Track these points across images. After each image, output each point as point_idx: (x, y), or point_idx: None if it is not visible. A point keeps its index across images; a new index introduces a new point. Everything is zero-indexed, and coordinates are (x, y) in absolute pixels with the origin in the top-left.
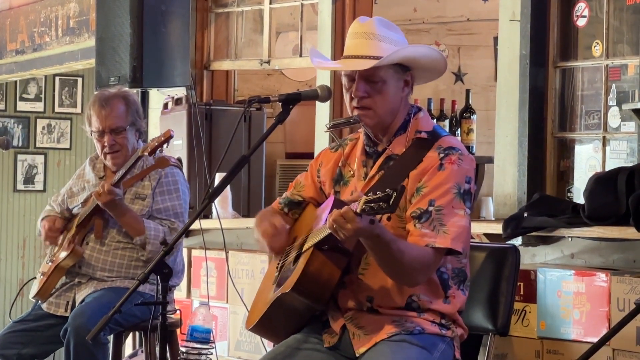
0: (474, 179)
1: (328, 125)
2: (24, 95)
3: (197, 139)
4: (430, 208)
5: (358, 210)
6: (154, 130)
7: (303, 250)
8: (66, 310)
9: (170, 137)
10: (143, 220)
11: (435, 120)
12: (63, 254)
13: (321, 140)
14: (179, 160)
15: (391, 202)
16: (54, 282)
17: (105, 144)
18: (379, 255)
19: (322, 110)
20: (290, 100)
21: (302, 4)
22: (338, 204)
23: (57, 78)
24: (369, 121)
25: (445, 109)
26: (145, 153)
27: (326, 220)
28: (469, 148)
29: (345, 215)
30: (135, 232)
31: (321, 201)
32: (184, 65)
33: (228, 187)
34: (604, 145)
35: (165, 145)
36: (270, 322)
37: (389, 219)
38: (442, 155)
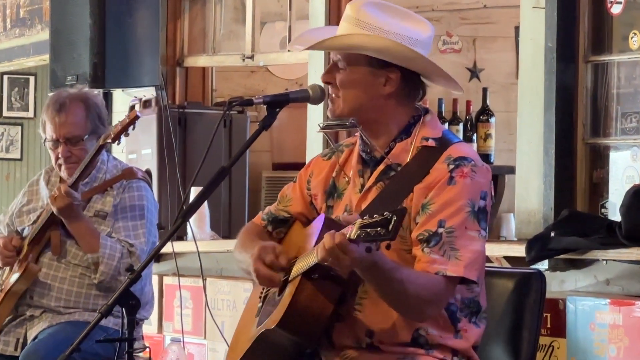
0: (491, 194)
1: (321, 126)
2: None
3: (169, 147)
4: (440, 230)
5: (352, 236)
6: None
7: (290, 278)
8: (16, 349)
9: (137, 118)
10: (100, 236)
11: (447, 125)
12: (14, 277)
13: (314, 148)
14: (148, 172)
15: (390, 227)
16: (4, 314)
17: (60, 155)
18: (380, 287)
19: (315, 114)
20: (277, 103)
21: None
22: (329, 224)
23: (5, 77)
24: (332, 112)
25: (458, 111)
26: (108, 140)
27: (316, 244)
28: (486, 156)
29: (340, 245)
30: (88, 247)
31: (311, 217)
32: (153, 61)
33: (205, 203)
34: None
35: (131, 128)
36: None
37: (388, 247)
38: (452, 166)
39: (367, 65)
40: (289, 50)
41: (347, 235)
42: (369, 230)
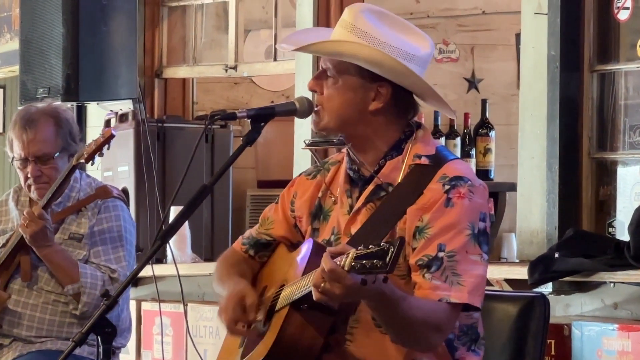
0: (489, 214)
1: (307, 142)
2: None
3: (148, 164)
4: (441, 254)
5: (346, 267)
6: None
7: (277, 308)
8: None
9: (112, 137)
10: (78, 264)
11: (443, 139)
12: None
13: (301, 164)
14: (124, 191)
15: (388, 259)
16: None
17: (29, 175)
18: (386, 317)
19: (302, 128)
20: (262, 116)
21: None
22: (318, 250)
23: None
24: (316, 124)
25: (456, 124)
26: (81, 160)
27: (304, 271)
28: (486, 172)
29: (333, 274)
30: (67, 278)
31: (295, 241)
32: (130, 72)
33: (186, 224)
34: None
35: (105, 147)
36: None
37: (385, 280)
38: (447, 187)
39: (357, 77)
40: (274, 60)
41: (340, 265)
42: (364, 261)
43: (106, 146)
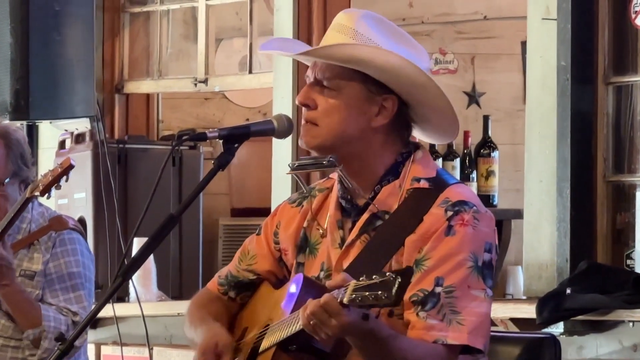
0: (496, 245)
1: (292, 166)
2: None
3: (107, 190)
4: (438, 289)
5: (345, 300)
6: None
7: (261, 349)
8: None
9: (70, 167)
10: (40, 306)
11: (440, 161)
12: None
13: (280, 190)
14: (81, 221)
15: (394, 291)
16: None
17: None
18: (369, 357)
19: (282, 149)
20: (235, 136)
21: (251, 0)
22: (309, 286)
23: None
24: (309, 142)
25: (454, 144)
26: (36, 193)
27: (293, 309)
28: (488, 198)
29: (328, 307)
30: (28, 321)
31: (281, 276)
32: (87, 87)
33: (151, 257)
34: None
35: (63, 179)
36: None
37: (390, 314)
38: (450, 213)
39: (362, 87)
40: (250, 72)
41: (339, 299)
42: (367, 293)
43: (64, 178)
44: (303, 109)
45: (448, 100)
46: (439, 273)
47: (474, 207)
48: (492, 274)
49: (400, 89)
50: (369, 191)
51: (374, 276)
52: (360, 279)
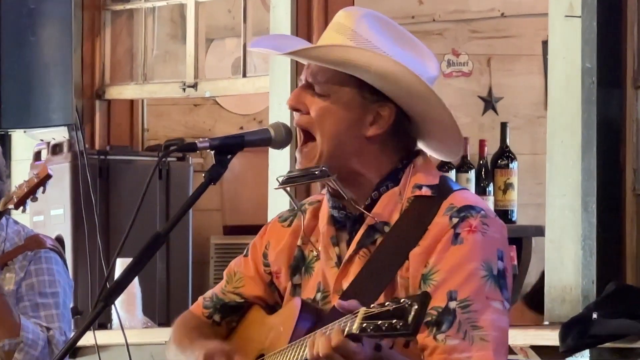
0: (509, 255)
1: (280, 180)
2: None
3: (87, 206)
4: (452, 304)
5: (354, 329)
6: None
7: None
8: None
9: (48, 177)
10: (20, 316)
11: (454, 172)
12: None
13: (278, 206)
14: (59, 240)
15: (410, 319)
16: None
17: None
18: None
19: (279, 161)
20: (228, 147)
21: None
22: (307, 311)
23: None
24: (310, 160)
25: (469, 154)
26: (10, 206)
27: (292, 338)
28: (506, 214)
29: (342, 349)
30: (5, 330)
31: (272, 302)
32: (64, 93)
33: (136, 280)
34: None
35: (40, 190)
36: None
37: (406, 345)
38: (455, 220)
39: (356, 93)
40: (244, 75)
41: (346, 330)
42: (379, 322)
43: (41, 188)
44: (295, 113)
45: (451, 115)
46: (451, 286)
47: (482, 212)
48: (507, 283)
49: (398, 98)
50: (365, 199)
51: (386, 303)
52: (372, 306)
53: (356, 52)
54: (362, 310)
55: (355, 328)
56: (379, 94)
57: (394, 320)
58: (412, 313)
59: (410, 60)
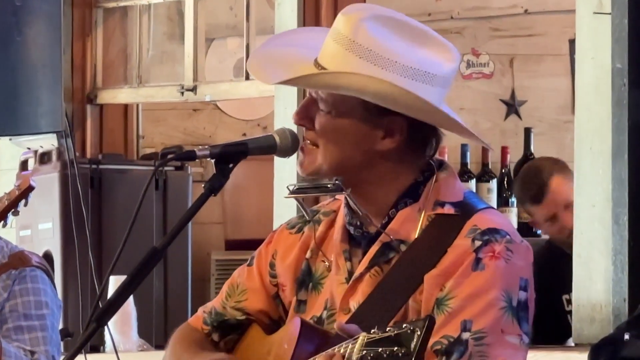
0: (532, 283)
1: (291, 189)
2: None
3: (78, 219)
4: (465, 335)
5: (354, 357)
6: None
7: None
8: None
9: (30, 189)
10: (1, 340)
11: (474, 182)
12: None
13: (283, 218)
14: (47, 256)
15: (412, 346)
16: None
17: None
18: None
19: (285, 170)
20: (230, 155)
21: None
22: (308, 333)
23: None
24: (305, 167)
25: (490, 162)
26: None
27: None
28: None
29: None
30: None
31: (276, 317)
32: (53, 97)
33: (131, 299)
34: None
35: (22, 203)
36: None
37: None
38: (478, 243)
39: (361, 110)
40: (247, 78)
41: (345, 356)
42: (380, 350)
43: (23, 201)
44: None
45: (457, 122)
46: (466, 315)
47: (507, 236)
48: (528, 316)
49: (404, 113)
50: (382, 217)
51: (388, 328)
52: (372, 331)
53: (347, 78)
54: (363, 335)
55: (355, 356)
56: (386, 108)
57: (395, 348)
58: (414, 340)
59: (420, 58)
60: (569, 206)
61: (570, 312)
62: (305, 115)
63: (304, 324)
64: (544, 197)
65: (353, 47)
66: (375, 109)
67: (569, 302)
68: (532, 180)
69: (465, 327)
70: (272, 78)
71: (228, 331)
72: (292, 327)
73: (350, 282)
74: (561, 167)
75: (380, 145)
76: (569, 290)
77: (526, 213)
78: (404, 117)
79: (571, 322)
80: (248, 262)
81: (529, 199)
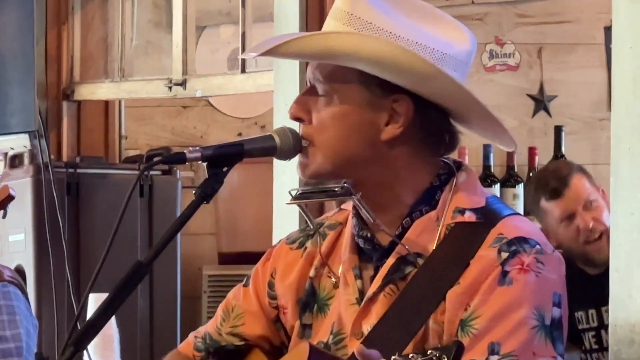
0: (566, 298)
1: (293, 194)
2: None
3: (53, 230)
4: (494, 359)
5: None
6: None
7: None
8: None
9: (10, 199)
10: None
11: (497, 187)
12: None
13: (285, 229)
14: (19, 271)
15: None
16: None
17: None
18: None
19: (285, 174)
20: (224, 157)
21: None
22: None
23: None
24: (303, 167)
25: (516, 165)
26: None
27: None
28: None
29: None
30: None
31: (277, 343)
32: (25, 93)
33: (113, 320)
34: None
35: (0, 215)
36: None
37: None
38: (505, 254)
39: (362, 89)
40: (242, 71)
41: None
42: None
43: (0, 213)
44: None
45: (469, 94)
46: (494, 337)
47: (537, 246)
48: (562, 335)
49: (410, 86)
50: (396, 226)
51: (411, 355)
52: (393, 358)
53: (338, 38)
54: None
55: None
56: (390, 86)
57: None
58: None
59: (427, 34)
60: (587, 206)
61: (584, 330)
62: (301, 107)
63: (313, 349)
64: (565, 191)
65: (351, 20)
66: (378, 87)
67: (581, 319)
68: (552, 175)
69: (493, 350)
70: (261, 49)
71: (225, 358)
72: (299, 353)
73: (363, 303)
74: (583, 169)
75: (385, 132)
76: (579, 307)
77: (538, 216)
78: (409, 97)
79: (585, 339)
80: (244, 282)
81: (547, 193)
